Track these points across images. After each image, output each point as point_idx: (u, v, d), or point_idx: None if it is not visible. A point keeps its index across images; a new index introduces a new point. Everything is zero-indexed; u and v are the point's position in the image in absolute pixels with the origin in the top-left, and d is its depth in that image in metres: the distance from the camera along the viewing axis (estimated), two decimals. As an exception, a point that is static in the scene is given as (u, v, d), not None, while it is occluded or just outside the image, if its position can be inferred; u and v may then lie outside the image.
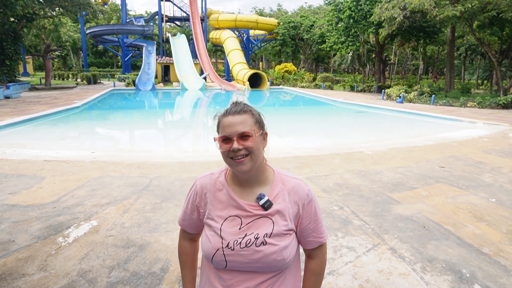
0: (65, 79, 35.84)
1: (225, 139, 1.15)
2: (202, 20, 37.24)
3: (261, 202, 1.18)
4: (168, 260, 3.16)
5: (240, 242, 1.15)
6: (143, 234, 3.64)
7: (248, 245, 1.14)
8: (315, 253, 1.30)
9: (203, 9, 38.69)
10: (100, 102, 18.55)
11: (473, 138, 8.80)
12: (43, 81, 27.25)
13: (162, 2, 38.64)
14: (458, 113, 13.54)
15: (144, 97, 22.85)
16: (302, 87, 28.81)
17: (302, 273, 1.36)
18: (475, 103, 16.59)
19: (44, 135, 10.11)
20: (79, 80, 33.79)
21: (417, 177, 5.62)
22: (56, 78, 35.29)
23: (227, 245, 1.15)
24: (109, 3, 53.47)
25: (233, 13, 55.06)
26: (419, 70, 31.20)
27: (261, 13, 62.95)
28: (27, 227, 3.74)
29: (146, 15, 60.77)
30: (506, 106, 16.10)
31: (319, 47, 32.28)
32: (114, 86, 27.64)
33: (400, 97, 18.43)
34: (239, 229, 1.17)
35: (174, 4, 41.26)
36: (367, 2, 21.36)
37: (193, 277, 1.41)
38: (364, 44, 26.36)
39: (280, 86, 29.63)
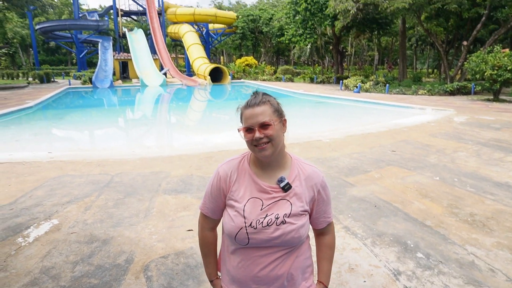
0: (14, 78, 33.73)
1: (248, 130, 1.27)
2: (159, 14, 36.39)
3: (282, 184, 1.30)
4: (133, 252, 3.23)
5: (262, 222, 1.26)
6: (106, 229, 3.67)
7: (269, 224, 1.26)
8: (326, 230, 1.47)
9: (160, 2, 37.82)
10: (55, 102, 17.76)
11: (422, 123, 9.43)
12: (-11, 81, 25.58)
13: (116, -4, 37.35)
14: (409, 101, 14.35)
15: (102, 95, 22.13)
16: (263, 80, 29.11)
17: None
18: (426, 91, 17.62)
19: (-5, 137, 9.60)
20: (30, 79, 31.94)
21: (370, 161, 6.00)
22: (5, 78, 33.17)
23: (250, 224, 1.26)
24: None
25: (191, 6, 54.13)
26: (374, 60, 32.44)
27: (220, 7, 62.41)
28: (-17, 230, 3.65)
29: (100, 9, 58.32)
30: (452, 92, 17.24)
31: (279, 40, 32.65)
32: (70, 84, 26.50)
33: (357, 87, 19.17)
34: (261, 209, 1.28)
35: (130, -2, 40.01)
36: (323, -5, 21.91)
37: (215, 262, 1.52)
38: (322, 36, 27.04)
39: (242, 80, 29.77)
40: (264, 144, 1.25)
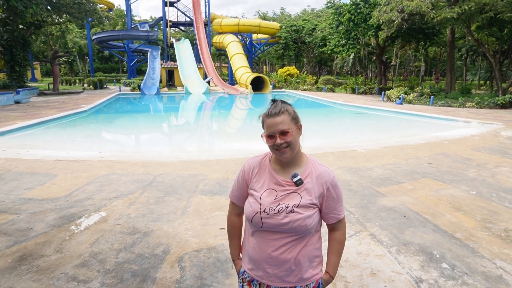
0: (72, 84, 36.52)
1: (270, 136, 1.49)
2: (205, 25, 37.79)
3: (295, 179, 1.50)
4: (169, 244, 3.54)
5: (274, 209, 1.48)
6: (147, 223, 4.03)
7: (280, 212, 1.47)
8: (337, 226, 1.64)
9: (207, 14, 39.28)
10: (106, 106, 19.07)
11: (465, 136, 9.11)
12: (51, 86, 27.89)
13: (166, 8, 39.27)
14: (455, 113, 13.82)
15: (149, 101, 23.36)
16: (304, 90, 29.17)
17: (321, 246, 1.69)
18: (474, 104, 16.85)
19: (54, 137, 10.64)
20: (85, 85, 34.43)
21: (404, 173, 5.96)
22: (64, 84, 35.98)
23: (264, 210, 1.49)
24: (114, 9, 54.32)
25: (236, 17, 55.62)
26: (420, 71, 31.39)
27: (264, 17, 63.52)
28: (43, 217, 4.15)
29: (151, 20, 61.57)
30: (504, 106, 16.34)
31: (321, 50, 32.63)
32: (120, 90, 28.22)
33: (399, 98, 18.72)
34: (275, 199, 1.50)
35: (178, 10, 41.92)
36: (366, 6, 21.73)
37: (238, 244, 1.78)
38: (365, 46, 26.69)
39: (282, 89, 30.03)
40: (284, 148, 1.47)
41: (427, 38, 23.57)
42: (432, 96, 18.37)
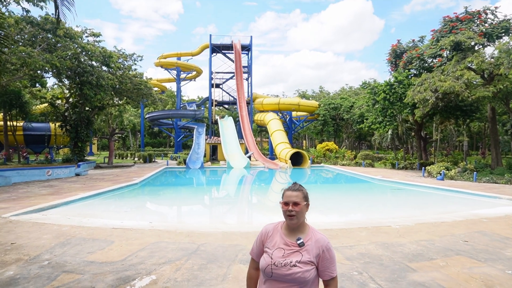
0: (124, 158, 39.56)
1: (285, 204, 2.08)
2: (248, 103, 40.56)
3: (299, 242, 2.05)
4: (211, 306, 3.98)
5: (281, 263, 1.99)
6: (191, 287, 4.51)
7: (285, 265, 1.98)
8: (329, 283, 2.12)
9: (249, 93, 42.37)
10: (155, 179, 20.51)
11: (506, 215, 8.92)
12: (106, 160, 30.53)
13: (212, 89, 43.00)
14: (499, 191, 13.43)
15: (193, 174, 24.73)
16: (343, 165, 29.46)
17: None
18: (522, 180, 16.24)
19: (110, 207, 11.79)
20: (136, 159, 37.15)
21: (438, 250, 6.06)
22: (117, 157, 39.10)
23: (274, 263, 2.01)
24: (166, 91, 60.04)
25: (277, 95, 59.10)
26: (464, 146, 30.84)
27: (303, 95, 66.80)
28: (103, 278, 4.77)
29: (198, 100, 66.98)
30: (555, 183, 15.59)
31: (359, 126, 33.47)
32: (167, 164, 30.17)
33: (440, 174, 18.47)
34: (282, 255, 2.02)
35: (223, 90, 45.66)
36: (400, 86, 22.67)
37: None
38: (403, 122, 27.13)
39: (321, 164, 30.51)
40: (293, 216, 2.07)
41: (466, 115, 23.66)
42: (475, 172, 17.98)
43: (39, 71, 20.01)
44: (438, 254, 5.82)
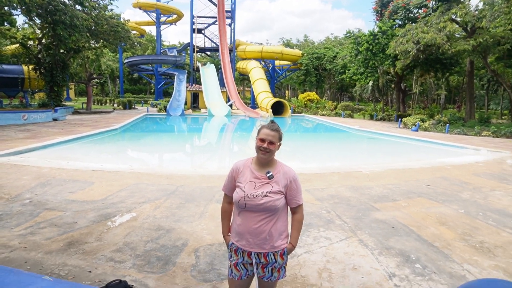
0: (103, 104, 38.72)
1: (261, 140, 2.20)
2: (230, 50, 39.52)
3: (268, 174, 2.20)
4: (187, 239, 4.28)
5: (254, 194, 2.15)
6: (170, 223, 4.80)
7: (257, 196, 2.14)
8: (297, 210, 2.35)
9: (232, 40, 41.13)
10: (135, 125, 20.40)
11: (469, 163, 9.53)
12: (84, 105, 29.85)
13: (194, 34, 41.46)
14: (467, 141, 14.13)
15: (174, 122, 24.66)
16: (323, 115, 29.86)
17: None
18: (490, 133, 17.04)
19: (90, 151, 11.82)
20: (115, 105, 36.45)
21: (402, 192, 6.53)
22: (95, 103, 38.21)
23: (247, 195, 2.16)
24: (145, 35, 57.44)
25: (260, 43, 57.64)
26: (440, 99, 31.59)
27: (288, 44, 65.39)
28: (84, 214, 4.99)
29: (179, 45, 64.61)
30: (521, 135, 16.45)
31: (341, 77, 33.48)
32: (148, 111, 29.84)
33: (415, 125, 19.11)
34: (254, 188, 2.18)
35: (205, 36, 44.09)
36: (384, 37, 22.51)
37: (228, 225, 2.49)
38: (384, 74, 27.31)
39: (302, 114, 30.83)
40: (266, 152, 2.22)
41: (445, 68, 23.96)
42: (448, 124, 18.66)
43: (6, 8, 18.69)
44: (401, 196, 6.28)
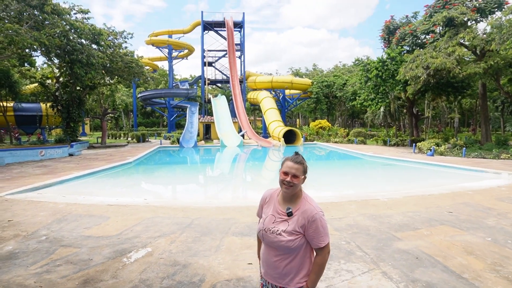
0: (117, 138, 39.43)
1: (285, 173, 2.10)
2: (241, 82, 40.27)
3: (287, 211, 2.11)
4: (204, 275, 4.17)
5: (270, 229, 2.10)
6: (186, 257, 4.70)
7: (273, 232, 2.09)
8: (318, 252, 2.14)
9: (242, 72, 42.00)
10: (149, 158, 20.60)
11: (491, 187, 9.22)
12: (99, 140, 30.43)
13: (205, 67, 42.53)
14: (486, 165, 13.76)
15: (187, 153, 24.83)
16: (335, 142, 29.72)
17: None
18: (509, 155, 16.61)
19: (105, 185, 11.92)
20: (129, 138, 37.06)
21: (423, 220, 6.31)
22: (110, 137, 38.95)
23: (264, 229, 2.14)
24: (158, 70, 59.21)
25: (270, 74, 58.66)
26: (454, 123, 31.21)
27: (297, 73, 66.38)
28: (100, 251, 4.93)
29: (190, 78, 66.30)
30: (541, 157, 15.98)
31: (351, 104, 33.57)
32: (161, 144, 30.20)
33: (430, 150, 18.79)
34: (273, 222, 2.13)
35: (216, 69, 45.16)
36: (393, 63, 22.67)
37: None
38: (395, 100, 27.28)
39: (314, 142, 30.76)
40: (289, 186, 2.13)
41: (457, 92, 23.83)
42: (464, 148, 18.31)
43: (27, 50, 19.60)
44: (423, 224, 6.06)
